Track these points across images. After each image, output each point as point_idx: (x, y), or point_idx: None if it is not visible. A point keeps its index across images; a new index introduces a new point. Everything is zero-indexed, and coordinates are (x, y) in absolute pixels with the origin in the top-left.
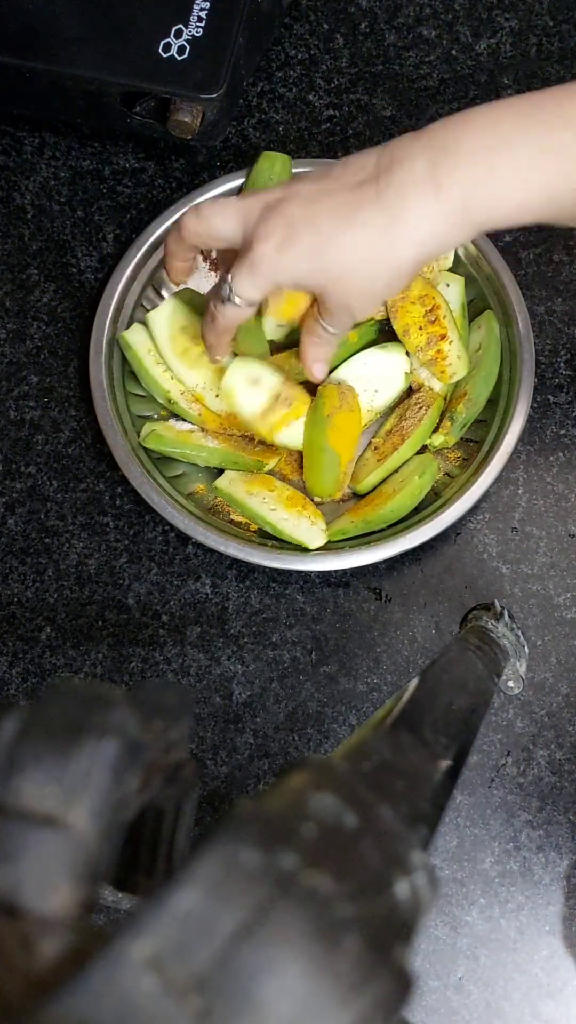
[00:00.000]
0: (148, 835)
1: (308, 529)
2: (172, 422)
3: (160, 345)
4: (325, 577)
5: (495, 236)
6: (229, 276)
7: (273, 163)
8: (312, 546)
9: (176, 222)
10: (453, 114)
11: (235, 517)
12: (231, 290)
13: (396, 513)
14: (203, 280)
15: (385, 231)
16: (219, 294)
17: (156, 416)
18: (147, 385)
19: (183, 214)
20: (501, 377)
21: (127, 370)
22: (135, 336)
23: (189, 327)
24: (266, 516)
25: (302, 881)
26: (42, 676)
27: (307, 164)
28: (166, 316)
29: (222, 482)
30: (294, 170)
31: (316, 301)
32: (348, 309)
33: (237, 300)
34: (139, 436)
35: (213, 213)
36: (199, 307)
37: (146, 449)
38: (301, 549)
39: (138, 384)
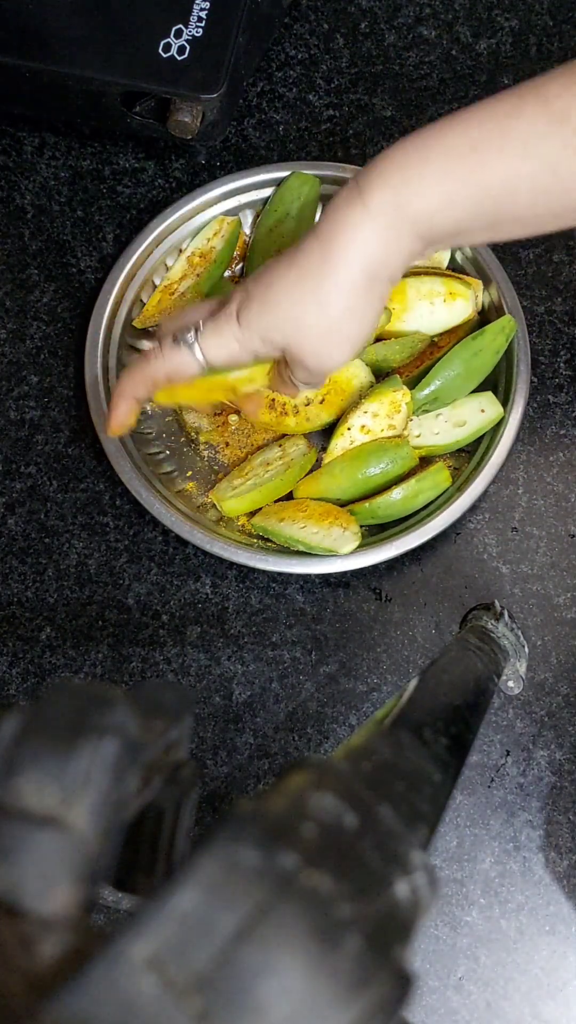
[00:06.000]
0: (148, 835)
1: (340, 536)
2: None
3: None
4: (325, 577)
5: None
6: (196, 325)
7: (303, 183)
8: (343, 551)
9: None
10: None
11: (226, 517)
12: (197, 338)
13: (384, 510)
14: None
15: (322, 259)
16: (178, 338)
17: (150, 412)
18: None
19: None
20: (498, 377)
21: (122, 367)
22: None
23: None
24: (298, 536)
25: (302, 881)
26: (42, 676)
27: (326, 168)
28: None
29: (257, 519)
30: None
31: (286, 362)
32: (317, 360)
33: (199, 354)
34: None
35: (186, 311)
36: None
37: (139, 447)
38: (303, 553)
39: None
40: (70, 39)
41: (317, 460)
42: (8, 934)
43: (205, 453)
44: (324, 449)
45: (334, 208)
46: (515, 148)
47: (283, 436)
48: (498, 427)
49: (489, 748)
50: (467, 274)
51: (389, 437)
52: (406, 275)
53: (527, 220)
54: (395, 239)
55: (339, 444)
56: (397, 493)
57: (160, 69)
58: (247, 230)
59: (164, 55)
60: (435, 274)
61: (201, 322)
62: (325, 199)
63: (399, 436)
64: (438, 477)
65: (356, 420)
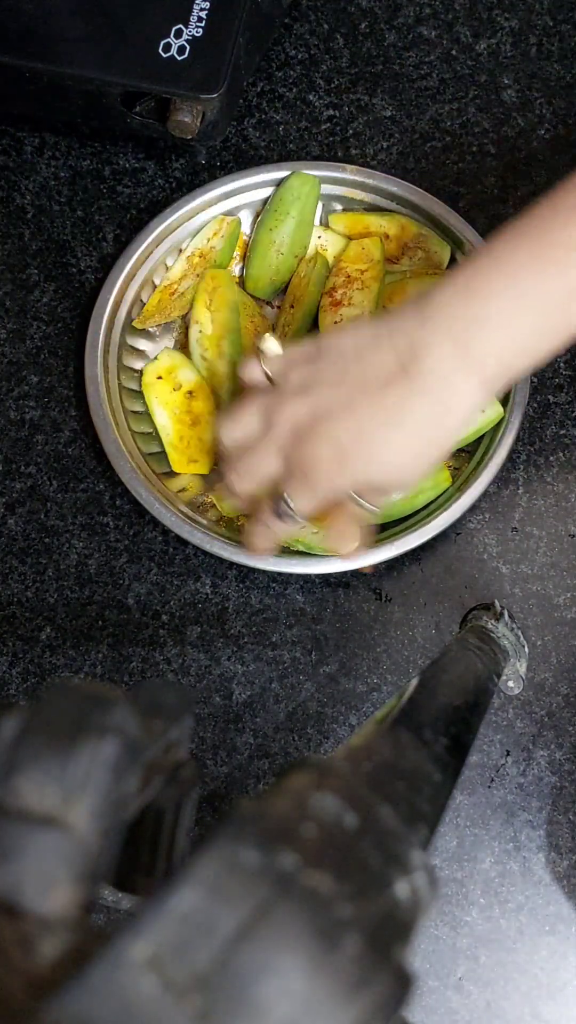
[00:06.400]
0: (148, 835)
1: (340, 536)
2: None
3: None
4: (325, 577)
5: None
6: (286, 497)
7: (303, 183)
8: (343, 552)
9: (228, 490)
10: (457, 273)
11: (226, 515)
12: (291, 509)
13: (385, 512)
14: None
15: (437, 425)
16: (275, 512)
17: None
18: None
19: (230, 481)
20: None
21: (122, 367)
22: None
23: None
24: (298, 536)
25: (302, 881)
26: (42, 676)
27: (326, 167)
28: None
29: None
30: (323, 187)
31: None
32: (399, 489)
33: (299, 519)
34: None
35: (252, 465)
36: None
37: (139, 447)
38: (303, 553)
39: (134, 380)
40: (70, 39)
41: None
42: (8, 934)
43: None
44: None
45: (441, 374)
46: None
47: None
48: (498, 427)
49: (489, 748)
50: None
51: None
52: (408, 276)
53: None
54: (496, 389)
55: None
56: (397, 493)
57: (160, 69)
58: (247, 230)
59: (164, 55)
60: (436, 275)
61: (288, 497)
62: (325, 199)
63: None
64: (438, 477)
65: None
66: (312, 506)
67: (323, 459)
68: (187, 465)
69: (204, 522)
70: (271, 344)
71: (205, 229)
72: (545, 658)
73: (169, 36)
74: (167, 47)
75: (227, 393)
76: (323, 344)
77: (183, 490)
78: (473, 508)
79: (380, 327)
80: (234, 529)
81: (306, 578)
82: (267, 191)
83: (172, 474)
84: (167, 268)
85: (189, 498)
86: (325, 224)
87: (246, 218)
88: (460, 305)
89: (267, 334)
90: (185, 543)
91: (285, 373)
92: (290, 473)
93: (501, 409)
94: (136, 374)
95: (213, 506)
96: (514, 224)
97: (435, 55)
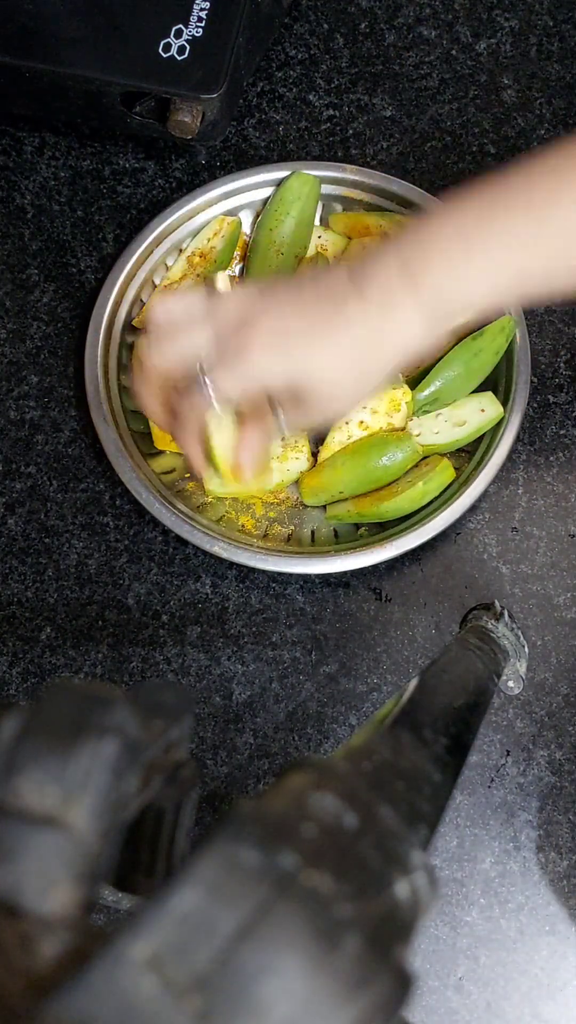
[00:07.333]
0: (148, 835)
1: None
2: None
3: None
4: (325, 577)
5: None
6: (205, 377)
7: (303, 183)
8: (246, 478)
9: (135, 365)
10: (413, 219)
11: (226, 515)
12: (210, 390)
13: (392, 512)
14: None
15: (375, 341)
16: (192, 394)
17: None
18: None
19: (145, 353)
20: (498, 377)
21: (122, 367)
22: None
23: None
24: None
25: (302, 881)
26: (42, 676)
27: (326, 167)
28: None
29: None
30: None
31: (278, 398)
32: (327, 408)
33: (215, 400)
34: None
35: (176, 343)
36: None
37: (139, 447)
38: (298, 552)
39: None
40: (70, 39)
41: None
42: (8, 934)
43: None
44: (320, 443)
45: (382, 283)
46: (554, 243)
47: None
48: (498, 427)
49: (489, 748)
50: None
51: (390, 431)
52: None
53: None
54: (435, 325)
55: (336, 438)
56: (404, 496)
57: (160, 69)
58: (247, 230)
59: (164, 55)
60: None
61: (207, 378)
62: (325, 199)
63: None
64: (443, 476)
65: (355, 415)
66: (233, 388)
67: (260, 343)
68: (169, 442)
69: (204, 522)
70: (223, 282)
71: (205, 229)
72: (545, 658)
73: (169, 36)
74: (167, 47)
75: None
76: (280, 279)
77: (182, 491)
78: (473, 508)
79: (339, 262)
80: (235, 528)
81: (306, 578)
82: (267, 191)
83: (172, 474)
84: (167, 268)
85: (172, 480)
86: (325, 224)
87: (246, 218)
88: (410, 235)
89: (219, 273)
90: (185, 543)
91: (241, 289)
92: (220, 353)
93: (501, 409)
94: None
95: (212, 505)
96: (471, 191)
97: (435, 55)
